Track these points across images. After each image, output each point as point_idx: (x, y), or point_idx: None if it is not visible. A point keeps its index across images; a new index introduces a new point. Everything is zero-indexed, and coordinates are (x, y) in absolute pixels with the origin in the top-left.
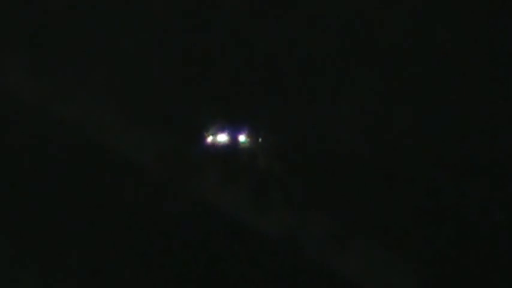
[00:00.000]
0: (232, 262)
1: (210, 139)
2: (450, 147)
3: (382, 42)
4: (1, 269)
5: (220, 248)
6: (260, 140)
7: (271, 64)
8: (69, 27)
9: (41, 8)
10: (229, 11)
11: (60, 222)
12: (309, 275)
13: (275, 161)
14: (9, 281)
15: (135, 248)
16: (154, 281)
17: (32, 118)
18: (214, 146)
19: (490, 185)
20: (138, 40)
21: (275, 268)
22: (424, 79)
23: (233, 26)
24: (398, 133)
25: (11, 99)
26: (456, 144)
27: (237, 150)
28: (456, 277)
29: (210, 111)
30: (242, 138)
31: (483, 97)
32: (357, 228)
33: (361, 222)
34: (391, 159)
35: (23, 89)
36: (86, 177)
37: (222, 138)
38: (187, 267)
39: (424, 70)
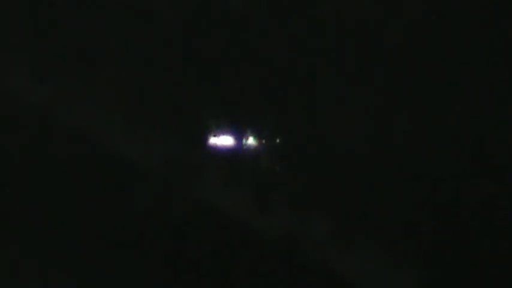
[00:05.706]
0: (234, 263)
1: (213, 141)
2: (450, 147)
3: (383, 43)
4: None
5: (222, 249)
6: (263, 141)
7: (275, 66)
8: (72, 28)
9: (42, 9)
10: (234, 13)
11: (62, 225)
12: (309, 276)
13: (277, 163)
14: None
15: (138, 249)
16: (157, 282)
17: (35, 120)
18: (218, 147)
19: (490, 185)
20: (141, 42)
21: (276, 269)
22: (424, 79)
23: (236, 28)
24: (399, 134)
25: (12, 101)
26: (456, 144)
27: (240, 152)
28: (456, 277)
29: (213, 113)
30: (245, 140)
31: (484, 97)
32: (357, 229)
33: (361, 222)
34: (392, 159)
35: (26, 91)
36: (88, 179)
37: (225, 140)
38: (190, 268)
39: (424, 71)
